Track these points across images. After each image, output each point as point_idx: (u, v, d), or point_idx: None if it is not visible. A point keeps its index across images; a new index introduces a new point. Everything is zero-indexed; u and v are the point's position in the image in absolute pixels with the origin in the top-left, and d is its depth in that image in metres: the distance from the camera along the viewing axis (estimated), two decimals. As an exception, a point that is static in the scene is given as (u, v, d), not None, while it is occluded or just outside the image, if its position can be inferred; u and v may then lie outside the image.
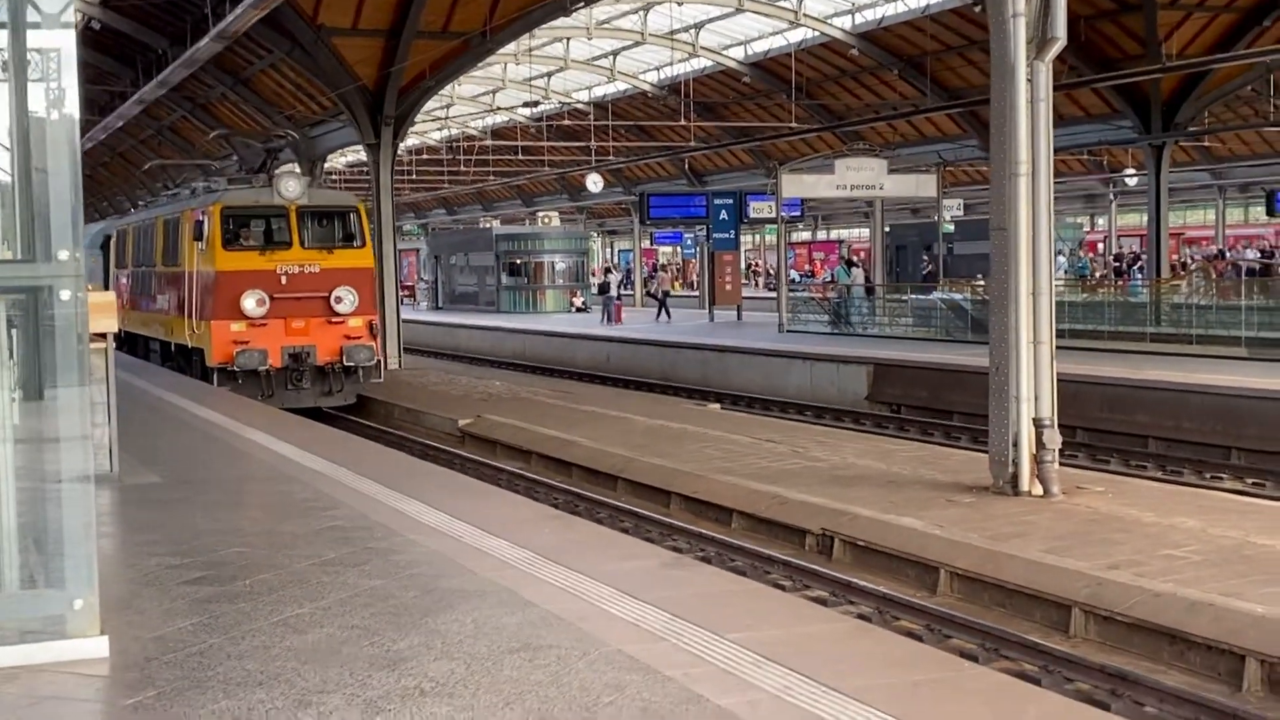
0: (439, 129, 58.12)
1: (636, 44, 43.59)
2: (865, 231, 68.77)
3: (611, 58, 46.67)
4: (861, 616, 9.65)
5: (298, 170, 23.70)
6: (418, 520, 9.39)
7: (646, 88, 47.61)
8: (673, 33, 41.90)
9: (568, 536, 8.89)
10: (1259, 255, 42.91)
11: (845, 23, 38.01)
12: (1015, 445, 12.05)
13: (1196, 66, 28.90)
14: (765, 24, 40.39)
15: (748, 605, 7.07)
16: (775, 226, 49.41)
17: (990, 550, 10.29)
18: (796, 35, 39.56)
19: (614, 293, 39.82)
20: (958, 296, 29.04)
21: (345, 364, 20.79)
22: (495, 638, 6.33)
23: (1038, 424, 12.00)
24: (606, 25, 42.03)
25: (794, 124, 39.52)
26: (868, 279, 36.32)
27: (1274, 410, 16.89)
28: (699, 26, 41.63)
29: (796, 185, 30.99)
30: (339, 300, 20.71)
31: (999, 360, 12.23)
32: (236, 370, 20.11)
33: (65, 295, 5.94)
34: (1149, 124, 32.19)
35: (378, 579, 7.56)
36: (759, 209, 35.22)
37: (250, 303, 20.30)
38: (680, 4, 37.59)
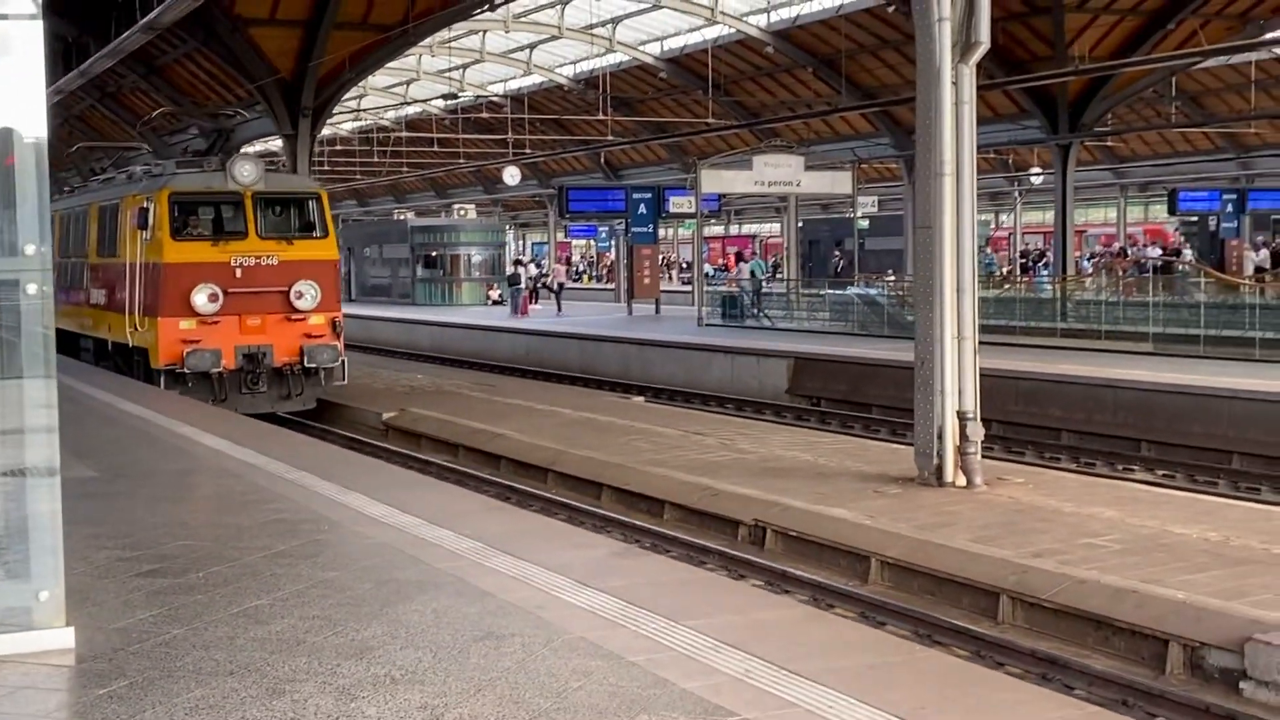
0: (352, 120, 57.75)
1: (553, 38, 43.73)
2: (776, 227, 69.48)
3: (528, 51, 46.73)
4: (797, 605, 9.90)
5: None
6: (361, 512, 9.48)
7: (563, 82, 47.74)
8: (590, 27, 42.10)
9: (514, 527, 9.04)
10: (1160, 252, 43.97)
11: (761, 20, 38.44)
12: (940, 438, 12.36)
13: (1107, 69, 29.62)
14: (682, 20, 40.74)
15: (700, 593, 7.28)
16: (687, 221, 49.94)
17: (919, 540, 10.58)
18: (713, 32, 39.94)
19: (522, 284, 40.11)
20: (873, 292, 29.51)
21: (306, 365, 19.25)
22: (458, 627, 6.47)
23: (961, 417, 12.33)
24: (524, 19, 42.12)
25: (710, 120, 39.87)
26: (754, 275, 36.72)
27: (1181, 404, 17.45)
28: (616, 21, 41.85)
29: (716, 181, 31.31)
30: (299, 295, 19.16)
31: (924, 355, 12.54)
32: (186, 372, 18.54)
33: (32, 289, 6.00)
34: (1056, 124, 32.93)
35: (331, 570, 7.66)
36: (679, 204, 35.54)
37: (201, 298, 18.65)
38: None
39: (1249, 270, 37.86)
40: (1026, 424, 18.79)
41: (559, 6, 41.18)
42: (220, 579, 7.48)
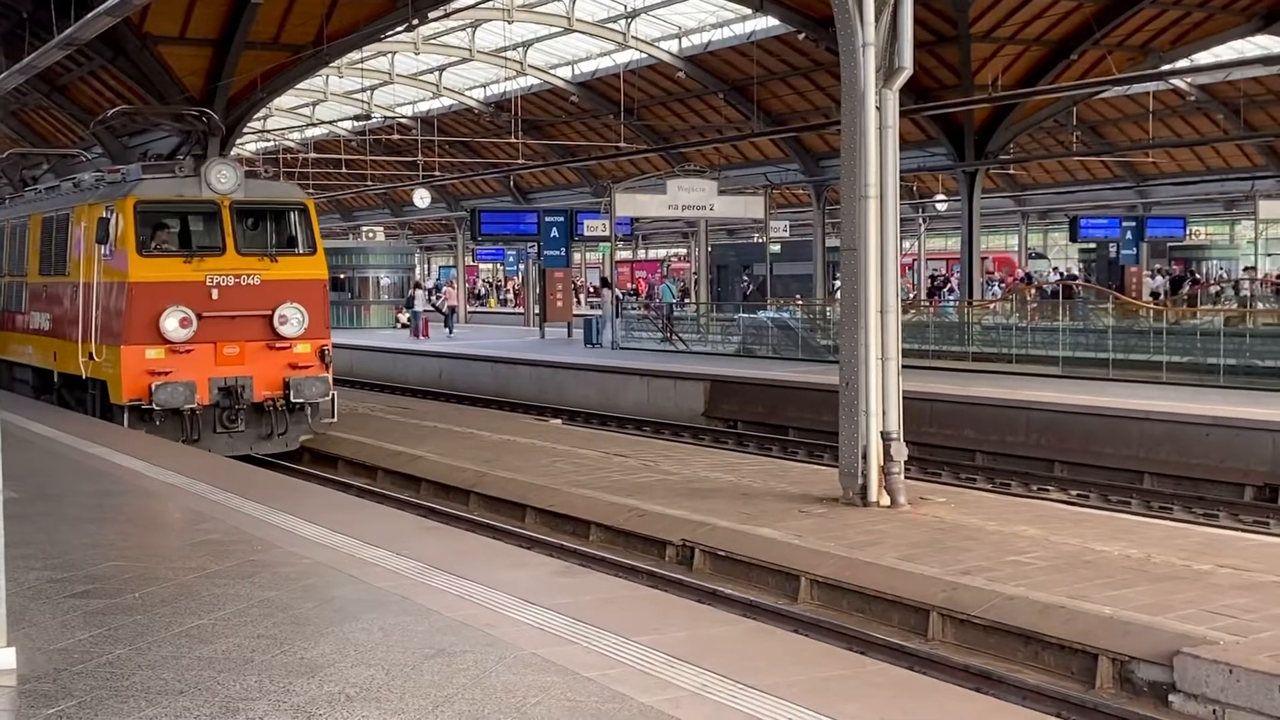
0: (256, 140, 57.17)
1: (464, 60, 43.68)
2: (682, 251, 69.84)
3: (438, 73, 46.62)
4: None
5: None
6: (293, 533, 9.38)
7: (473, 104, 47.65)
8: (501, 50, 42.08)
9: (451, 547, 9.00)
10: (1060, 277, 44.90)
11: (673, 46, 38.75)
12: (864, 458, 12.49)
13: (1017, 98, 30.24)
14: (594, 45, 40.90)
15: (648, 609, 7.30)
16: (594, 245, 50.17)
17: (848, 558, 10.68)
18: (624, 56, 40.13)
19: (418, 307, 40.09)
20: (786, 316, 29.79)
21: (291, 400, 17.03)
22: (407, 645, 6.42)
23: (885, 437, 12.47)
24: (434, 41, 42.01)
25: (621, 144, 40.04)
26: (617, 298, 37.04)
27: (1093, 425, 17.81)
28: (527, 45, 41.92)
29: (630, 204, 31.44)
30: (284, 320, 16.90)
31: (849, 376, 12.68)
32: (155, 409, 16.19)
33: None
34: (963, 152, 33.54)
35: (271, 590, 7.57)
36: (593, 227, 35.65)
37: (172, 323, 16.32)
38: (510, 22, 37.82)
39: (1147, 297, 38.78)
40: (941, 445, 19.03)
41: (470, 29, 41.15)
42: (157, 599, 7.36)
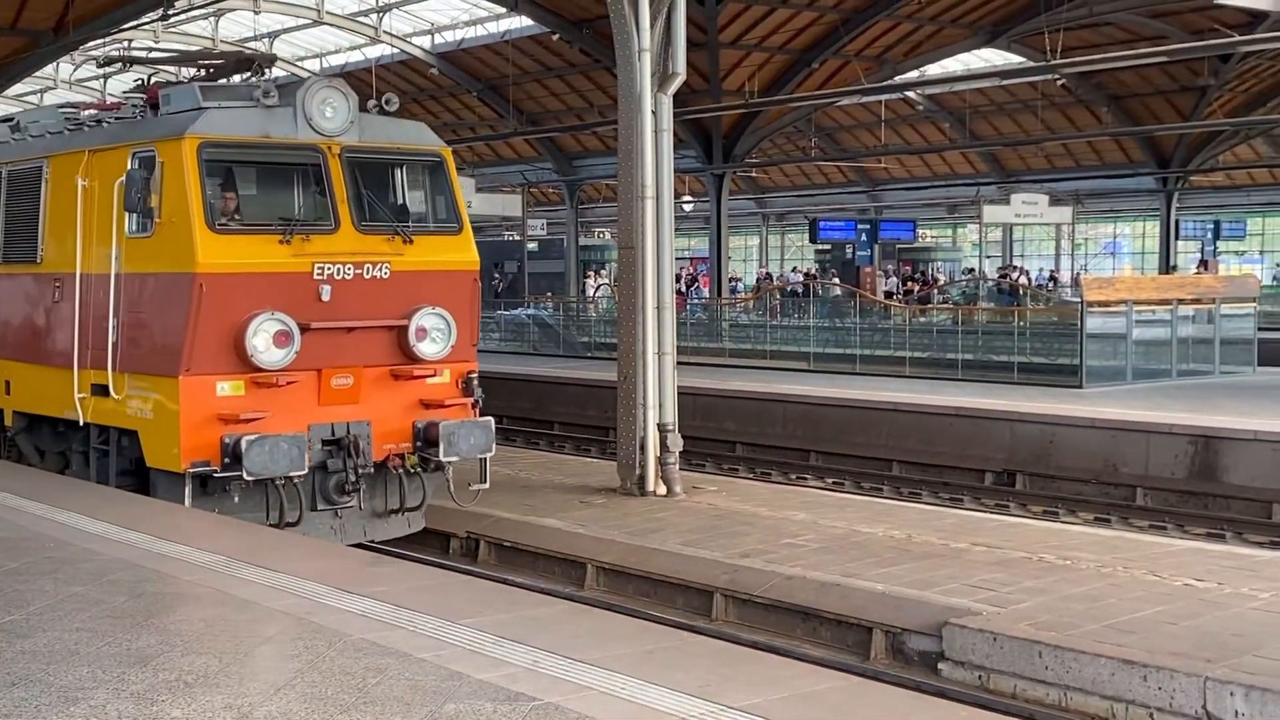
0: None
1: (205, 51, 42.49)
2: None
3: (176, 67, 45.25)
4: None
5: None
6: (82, 530, 9.24)
7: (216, 95, 46.40)
8: (243, 40, 41.19)
9: (250, 541, 9.01)
10: (802, 277, 46.56)
11: (425, 42, 38.65)
12: (642, 449, 12.96)
13: (768, 105, 31.35)
14: (343, 38, 40.44)
15: (466, 595, 7.52)
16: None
17: (632, 545, 11.10)
18: (375, 51, 39.83)
19: None
20: (545, 313, 30.20)
21: (442, 458, 11.14)
22: (232, 634, 6.50)
23: (662, 429, 12.97)
24: (175, 29, 40.80)
25: (373, 140, 39.71)
26: None
27: (845, 416, 18.75)
28: (274, 36, 41.13)
29: (387, 200, 31.22)
30: (422, 334, 11.24)
31: (627, 370, 13.12)
32: (246, 479, 10.18)
33: None
34: (711, 155, 34.57)
35: (77, 585, 7.50)
36: (349, 223, 35.14)
37: (264, 339, 10.45)
38: (257, 13, 37.09)
39: (881, 295, 40.63)
40: (705, 438, 19.68)
41: (213, 19, 40.14)
42: (-42, 598, 7.21)
